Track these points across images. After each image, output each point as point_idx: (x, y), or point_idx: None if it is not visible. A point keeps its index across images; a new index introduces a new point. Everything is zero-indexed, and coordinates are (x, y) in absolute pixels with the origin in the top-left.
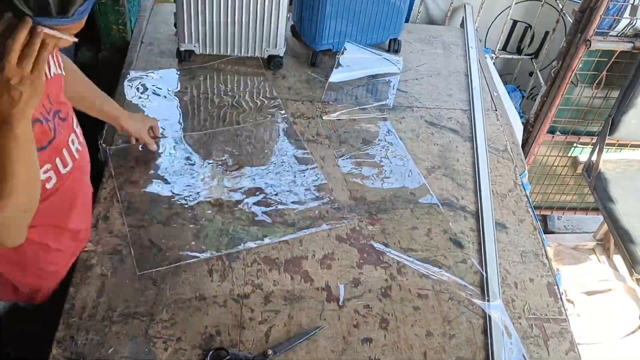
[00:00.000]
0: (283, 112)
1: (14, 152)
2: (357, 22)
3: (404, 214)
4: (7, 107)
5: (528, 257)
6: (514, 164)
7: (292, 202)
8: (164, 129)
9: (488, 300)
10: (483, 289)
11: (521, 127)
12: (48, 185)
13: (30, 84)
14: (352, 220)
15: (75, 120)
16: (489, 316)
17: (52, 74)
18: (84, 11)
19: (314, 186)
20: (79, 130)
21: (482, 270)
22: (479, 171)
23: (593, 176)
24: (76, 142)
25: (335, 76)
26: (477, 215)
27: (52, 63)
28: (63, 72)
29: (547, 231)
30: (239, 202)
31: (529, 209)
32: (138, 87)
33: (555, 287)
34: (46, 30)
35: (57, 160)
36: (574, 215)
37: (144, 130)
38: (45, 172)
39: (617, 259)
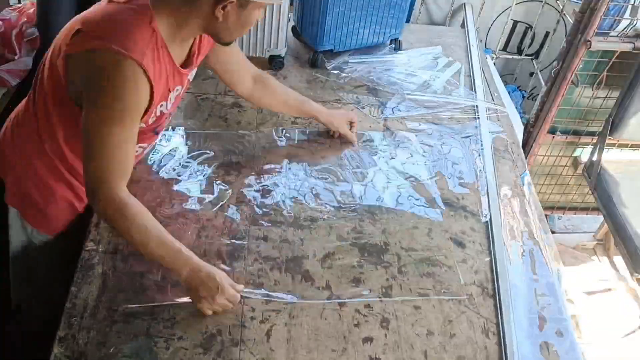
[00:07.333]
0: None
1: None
2: (358, 22)
3: (405, 214)
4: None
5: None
6: (515, 164)
7: (293, 202)
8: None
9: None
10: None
11: (522, 128)
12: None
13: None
14: (353, 220)
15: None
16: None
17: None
18: None
19: (315, 186)
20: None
21: (493, 274)
22: (485, 172)
23: (593, 176)
24: None
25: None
26: (477, 215)
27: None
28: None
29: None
30: (239, 201)
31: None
32: None
33: (556, 287)
34: None
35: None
36: (574, 215)
37: (342, 125)
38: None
39: (618, 259)
